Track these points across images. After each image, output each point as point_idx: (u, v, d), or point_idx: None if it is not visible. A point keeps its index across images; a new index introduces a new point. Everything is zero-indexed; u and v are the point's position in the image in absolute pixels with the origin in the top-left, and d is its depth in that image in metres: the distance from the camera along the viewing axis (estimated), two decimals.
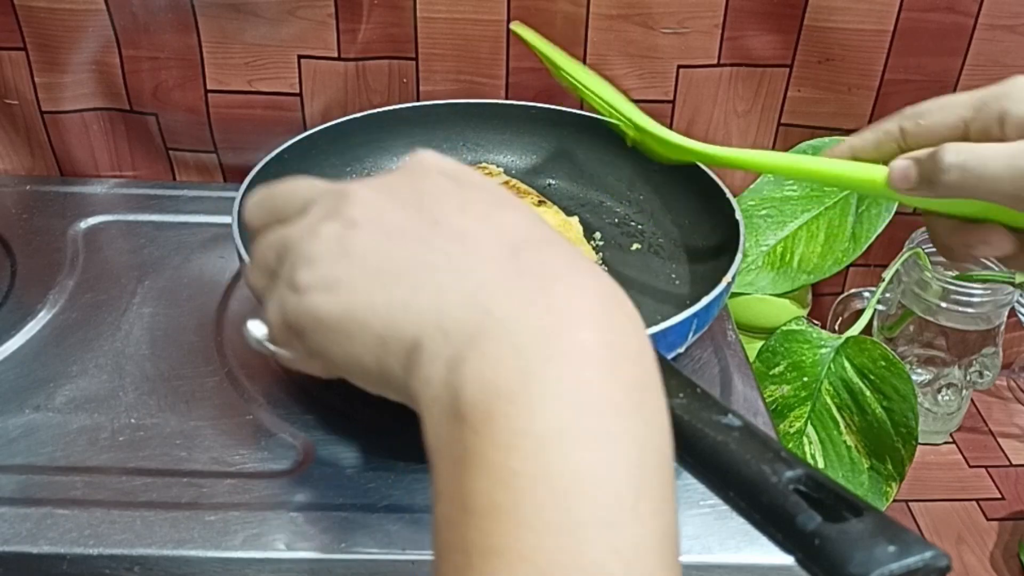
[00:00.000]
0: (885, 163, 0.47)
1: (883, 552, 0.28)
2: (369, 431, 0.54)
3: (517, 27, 0.63)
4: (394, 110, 0.71)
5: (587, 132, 0.72)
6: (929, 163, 0.44)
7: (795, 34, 0.75)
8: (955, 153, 0.43)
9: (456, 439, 0.27)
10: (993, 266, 0.76)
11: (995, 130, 0.44)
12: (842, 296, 0.80)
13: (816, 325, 0.71)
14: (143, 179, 0.82)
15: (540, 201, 0.64)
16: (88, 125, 0.80)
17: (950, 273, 0.76)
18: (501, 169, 0.69)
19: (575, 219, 0.64)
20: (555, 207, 0.65)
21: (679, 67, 0.76)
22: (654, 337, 0.48)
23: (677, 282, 0.63)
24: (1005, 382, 0.88)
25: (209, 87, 0.77)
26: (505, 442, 0.26)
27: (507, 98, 0.78)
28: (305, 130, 0.67)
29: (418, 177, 0.32)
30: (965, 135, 0.45)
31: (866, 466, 0.66)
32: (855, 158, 0.50)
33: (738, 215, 0.61)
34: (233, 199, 0.59)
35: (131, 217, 0.75)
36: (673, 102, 0.78)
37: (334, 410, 0.56)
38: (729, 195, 0.63)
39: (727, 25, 0.75)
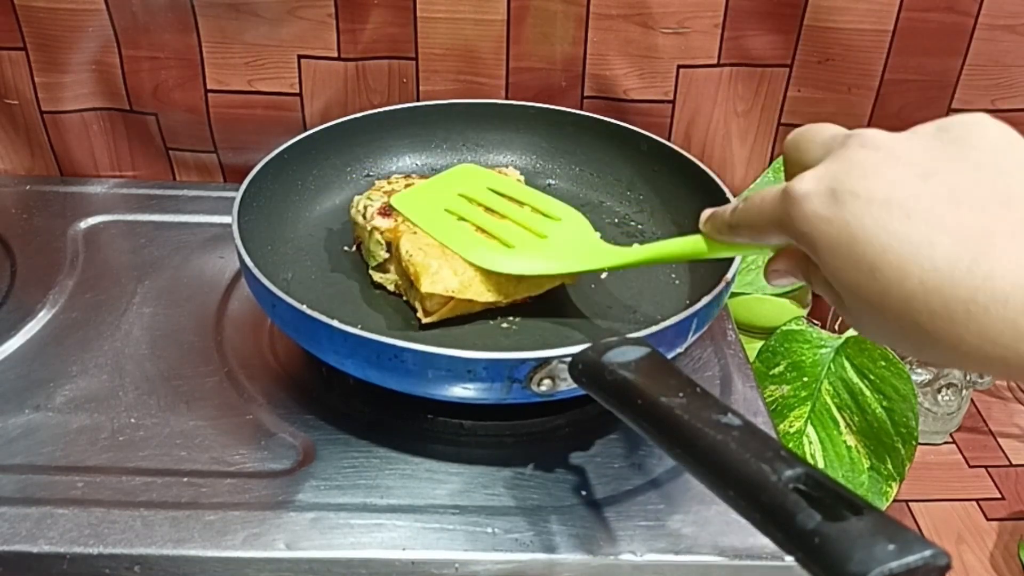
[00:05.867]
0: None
1: (883, 550, 0.28)
2: (369, 431, 0.54)
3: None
4: (394, 110, 0.71)
5: (587, 132, 0.72)
6: (721, 211, 0.44)
7: (795, 34, 0.75)
8: (740, 199, 0.42)
9: None
10: None
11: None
12: None
13: (816, 325, 0.71)
14: (143, 179, 0.82)
15: None
16: (88, 125, 0.80)
17: None
18: (518, 171, 0.69)
19: None
20: None
21: (679, 67, 0.76)
22: (654, 337, 0.48)
23: (677, 282, 0.63)
24: (1005, 382, 0.88)
25: (209, 87, 0.77)
26: None
27: (507, 98, 0.78)
28: (305, 130, 0.67)
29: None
30: None
31: (866, 466, 0.66)
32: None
33: None
34: (233, 199, 0.59)
35: (131, 217, 0.75)
36: (673, 102, 0.78)
37: (334, 410, 0.56)
38: (729, 195, 0.63)
39: (727, 25, 0.75)
